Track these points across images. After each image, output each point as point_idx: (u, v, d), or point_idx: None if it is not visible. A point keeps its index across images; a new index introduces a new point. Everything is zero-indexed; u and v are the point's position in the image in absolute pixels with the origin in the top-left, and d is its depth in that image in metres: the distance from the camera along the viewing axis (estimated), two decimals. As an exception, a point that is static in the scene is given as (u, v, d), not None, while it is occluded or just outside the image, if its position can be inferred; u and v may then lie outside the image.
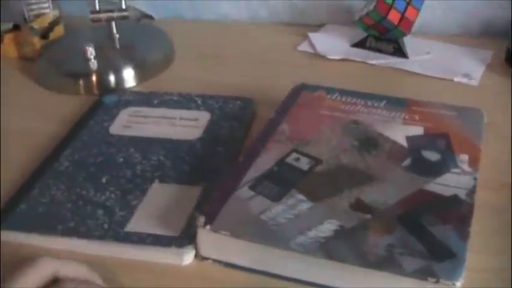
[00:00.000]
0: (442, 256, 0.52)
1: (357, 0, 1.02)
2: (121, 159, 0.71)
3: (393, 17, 0.92)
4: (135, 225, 0.61)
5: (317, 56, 0.97)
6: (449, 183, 0.61)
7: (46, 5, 1.06)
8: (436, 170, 0.63)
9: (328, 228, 0.55)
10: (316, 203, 0.58)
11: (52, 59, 0.98)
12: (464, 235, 0.54)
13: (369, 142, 0.67)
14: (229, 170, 0.64)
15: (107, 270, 0.57)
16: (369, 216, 0.56)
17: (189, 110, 0.80)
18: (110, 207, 0.63)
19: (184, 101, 0.82)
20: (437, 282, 0.49)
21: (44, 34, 1.02)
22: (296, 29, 1.08)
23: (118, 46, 0.98)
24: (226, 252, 0.57)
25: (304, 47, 1.01)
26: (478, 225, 0.56)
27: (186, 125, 0.77)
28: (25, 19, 1.05)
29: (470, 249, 0.53)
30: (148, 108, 0.81)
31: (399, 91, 0.78)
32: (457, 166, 0.63)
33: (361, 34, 0.98)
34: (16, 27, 1.03)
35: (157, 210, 0.63)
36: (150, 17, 1.14)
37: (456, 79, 0.89)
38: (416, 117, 0.71)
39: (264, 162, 0.64)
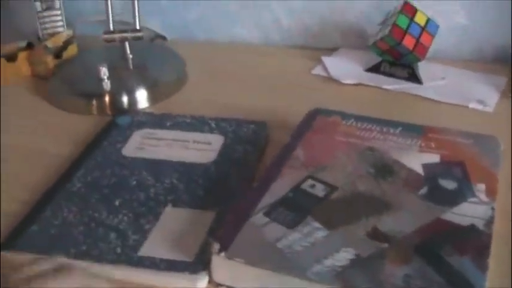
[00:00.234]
0: (460, 288, 0.51)
1: (370, 25, 1.02)
2: (134, 182, 0.70)
3: (408, 42, 0.92)
4: (148, 249, 0.60)
5: (331, 79, 0.97)
6: (467, 213, 0.60)
7: (60, 23, 1.07)
8: (453, 199, 0.62)
9: (344, 256, 0.54)
10: (332, 230, 0.57)
11: (65, 79, 0.98)
12: (482, 266, 0.53)
13: (385, 169, 0.66)
14: (244, 196, 0.64)
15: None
16: (385, 245, 0.56)
17: (203, 133, 0.79)
18: (122, 231, 0.63)
19: (198, 124, 0.81)
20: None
21: (58, 53, 1.03)
22: (309, 52, 1.07)
23: (131, 66, 0.98)
24: (240, 279, 0.56)
25: (317, 70, 1.00)
26: (494, 257, 0.55)
27: (200, 148, 0.76)
28: (39, 37, 1.06)
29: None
30: (161, 130, 0.81)
31: (414, 117, 0.77)
32: (474, 195, 0.62)
33: (375, 58, 0.98)
34: (30, 46, 1.04)
35: (171, 234, 0.62)
36: (163, 38, 1.15)
37: (471, 105, 0.88)
38: (433, 145, 0.70)
39: (279, 188, 0.63)
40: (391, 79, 0.96)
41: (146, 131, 0.81)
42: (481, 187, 0.63)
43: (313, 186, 0.64)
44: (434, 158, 0.68)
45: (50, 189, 0.70)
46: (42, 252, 0.60)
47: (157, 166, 0.73)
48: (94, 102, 0.91)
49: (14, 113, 0.90)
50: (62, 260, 0.58)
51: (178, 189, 0.69)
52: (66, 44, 1.05)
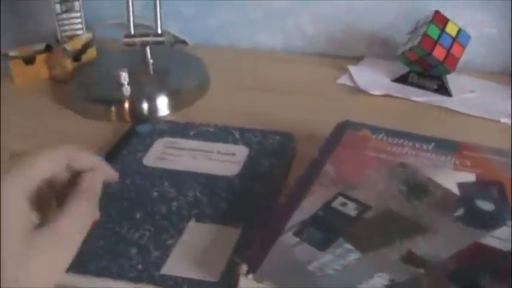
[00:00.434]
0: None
1: (397, 33, 0.99)
2: (155, 194, 0.68)
3: (438, 53, 0.89)
4: (171, 267, 0.57)
5: (356, 89, 0.94)
6: (505, 237, 0.57)
7: (79, 26, 1.04)
8: (490, 221, 0.59)
9: (379, 282, 0.51)
10: (365, 253, 0.55)
11: (84, 83, 0.96)
12: (524, 297, 0.50)
13: (418, 188, 0.63)
14: (271, 213, 0.61)
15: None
16: (421, 270, 0.53)
17: (226, 143, 0.77)
18: (144, 246, 0.60)
19: (221, 134, 0.79)
20: None
21: (76, 56, 1.00)
22: (333, 60, 1.05)
23: (151, 72, 0.96)
24: (269, 302, 0.53)
25: (343, 80, 0.98)
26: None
27: (224, 160, 0.74)
28: (57, 40, 1.04)
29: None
30: (183, 139, 0.78)
31: (444, 131, 0.75)
32: (513, 218, 0.59)
33: (402, 68, 0.95)
34: (48, 48, 1.01)
35: (194, 251, 0.59)
36: (184, 42, 1.13)
37: (502, 120, 0.85)
38: (468, 163, 0.67)
39: (309, 206, 0.60)
40: (419, 90, 0.93)
41: (168, 139, 0.78)
42: (520, 209, 0.60)
43: (344, 204, 0.61)
44: (469, 177, 0.65)
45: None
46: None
47: (179, 177, 0.70)
48: (113, 108, 0.88)
49: (29, 117, 0.88)
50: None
51: (202, 203, 0.66)
52: (85, 47, 1.02)
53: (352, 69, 1.00)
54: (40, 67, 1.00)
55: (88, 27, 1.06)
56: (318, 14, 1.07)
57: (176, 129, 0.80)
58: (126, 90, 0.90)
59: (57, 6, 1.02)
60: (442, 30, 0.91)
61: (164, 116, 0.88)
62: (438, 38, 0.89)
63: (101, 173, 0.52)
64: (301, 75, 1.01)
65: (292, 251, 0.55)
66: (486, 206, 0.61)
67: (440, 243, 0.56)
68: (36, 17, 1.11)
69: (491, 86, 0.96)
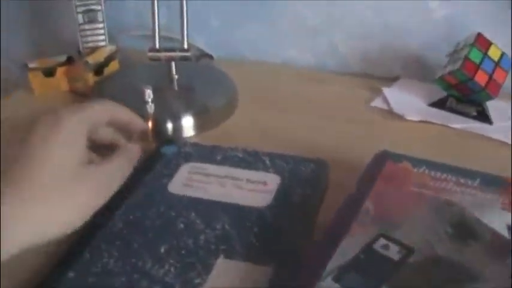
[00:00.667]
0: None
1: (433, 54, 0.95)
2: (182, 225, 0.63)
3: (480, 78, 0.84)
4: (199, 310, 0.53)
5: (391, 113, 0.90)
6: None
7: (102, 37, 1.01)
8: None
9: (427, 338, 0.47)
10: (411, 304, 0.50)
11: (105, 98, 0.91)
12: None
13: (466, 230, 0.59)
14: (307, 253, 0.57)
15: None
16: (473, 325, 0.48)
17: (257, 171, 0.72)
18: (169, 285, 0.56)
19: (251, 160, 0.74)
20: None
21: (98, 69, 0.96)
22: (366, 81, 1.01)
23: (176, 87, 0.92)
24: None
25: (377, 102, 0.93)
26: None
27: (254, 189, 0.69)
28: (79, 51, 1.00)
29: None
30: (210, 165, 0.73)
31: (485, 161, 0.69)
32: None
33: (438, 92, 0.91)
34: (70, 60, 0.98)
35: (224, 292, 0.55)
36: (210, 57, 1.08)
37: (546, 151, 0.80)
38: (516, 201, 0.62)
39: (348, 248, 0.56)
40: (458, 117, 0.88)
41: (194, 164, 0.74)
42: None
43: (386, 246, 0.56)
44: (519, 218, 0.60)
45: (87, 228, 0.62)
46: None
47: (207, 207, 0.66)
48: (136, 127, 0.84)
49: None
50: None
51: (231, 237, 0.62)
52: (108, 59, 0.98)
53: (387, 91, 0.95)
54: (60, 79, 0.97)
55: (111, 38, 1.02)
56: (351, 32, 1.02)
57: (203, 153, 0.76)
58: (151, 108, 0.85)
59: (80, 16, 0.98)
60: (485, 54, 0.86)
61: (189, 137, 0.84)
62: (480, 62, 0.85)
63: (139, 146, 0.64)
64: (333, 96, 0.96)
65: (331, 300, 0.50)
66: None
67: (493, 294, 0.51)
68: (58, 28, 1.08)
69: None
